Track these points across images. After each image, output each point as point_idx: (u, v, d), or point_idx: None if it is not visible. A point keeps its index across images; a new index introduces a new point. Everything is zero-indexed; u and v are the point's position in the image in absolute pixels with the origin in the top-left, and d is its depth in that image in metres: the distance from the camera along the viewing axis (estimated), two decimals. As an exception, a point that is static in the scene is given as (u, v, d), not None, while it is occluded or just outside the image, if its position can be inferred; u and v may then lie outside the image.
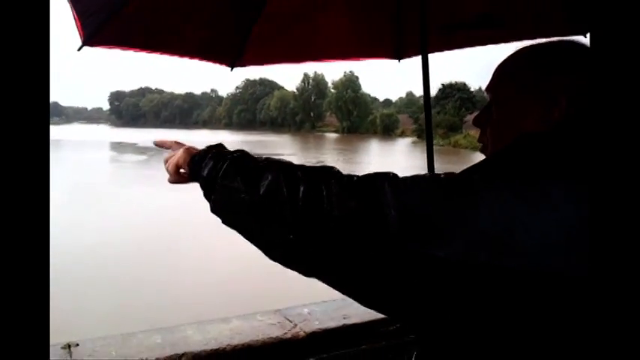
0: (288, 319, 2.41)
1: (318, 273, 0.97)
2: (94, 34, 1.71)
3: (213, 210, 1.10)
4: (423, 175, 0.95)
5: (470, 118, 62.28)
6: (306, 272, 0.99)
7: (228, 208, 1.07)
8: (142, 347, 2.12)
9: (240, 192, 1.01)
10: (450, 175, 0.91)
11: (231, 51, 2.23)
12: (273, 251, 1.02)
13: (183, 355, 2.07)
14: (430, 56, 2.31)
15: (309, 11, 2.20)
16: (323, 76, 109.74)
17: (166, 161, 1.29)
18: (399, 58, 2.59)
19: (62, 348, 2.13)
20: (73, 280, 9.98)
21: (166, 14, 1.88)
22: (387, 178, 0.92)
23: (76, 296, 9.05)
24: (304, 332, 2.32)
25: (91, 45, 1.75)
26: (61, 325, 7.26)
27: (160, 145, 1.38)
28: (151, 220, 17.06)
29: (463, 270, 0.80)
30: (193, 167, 1.18)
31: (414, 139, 66.48)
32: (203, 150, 1.19)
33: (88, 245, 12.90)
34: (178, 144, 1.32)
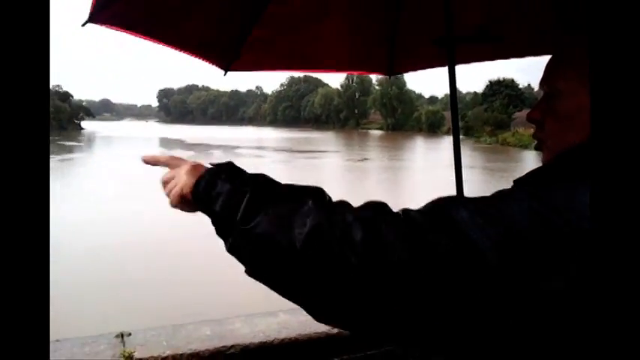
0: (334, 315, 2.41)
1: (390, 326, 0.81)
2: (99, 12, 1.66)
3: (231, 252, 0.90)
4: (500, 201, 0.82)
5: (518, 115, 60.86)
6: (377, 329, 0.83)
7: (254, 257, 0.87)
8: (192, 338, 2.17)
9: (270, 239, 0.83)
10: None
11: (227, 54, 2.23)
12: (325, 309, 0.87)
13: (231, 347, 2.11)
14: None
15: (305, 21, 2.21)
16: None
17: (165, 184, 1.04)
18: (390, 74, 2.62)
19: (115, 337, 2.20)
20: (120, 271, 10.30)
21: (170, 4, 1.89)
22: (459, 206, 0.81)
23: (122, 287, 9.32)
24: (350, 328, 2.31)
25: (96, 23, 1.69)
26: (114, 315, 7.53)
27: (152, 163, 1.11)
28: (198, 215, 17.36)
29: (569, 300, 0.74)
30: (199, 196, 0.95)
31: (460, 136, 65.31)
32: (209, 172, 0.95)
33: (137, 237, 13.27)
34: (176, 159, 1.06)
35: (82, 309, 8.32)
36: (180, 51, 2.06)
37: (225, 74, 2.28)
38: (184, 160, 1.02)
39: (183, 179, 0.97)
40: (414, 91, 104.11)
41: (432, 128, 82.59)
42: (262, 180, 0.91)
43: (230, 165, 0.96)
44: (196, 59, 2.16)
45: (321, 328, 2.30)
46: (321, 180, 28.53)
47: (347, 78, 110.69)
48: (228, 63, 2.27)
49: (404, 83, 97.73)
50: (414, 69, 2.68)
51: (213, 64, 2.24)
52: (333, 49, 2.42)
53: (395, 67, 2.58)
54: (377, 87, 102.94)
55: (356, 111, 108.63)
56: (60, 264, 10.82)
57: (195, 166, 0.98)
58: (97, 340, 2.16)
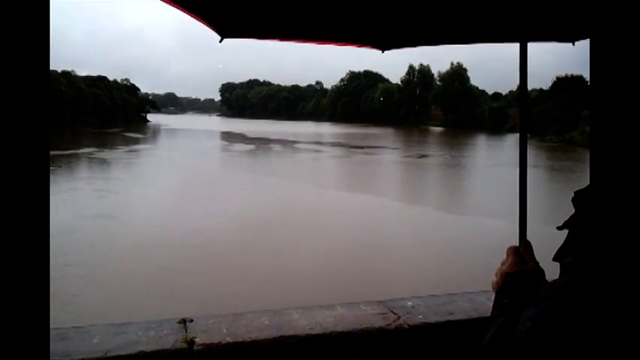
0: (392, 311, 2.41)
1: None
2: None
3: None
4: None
5: (587, 113, 58.22)
6: None
7: None
8: (251, 327, 2.22)
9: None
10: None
11: (224, 20, 2.22)
12: None
13: (289, 337, 2.14)
14: (538, 48, 2.20)
15: None
16: (429, 67, 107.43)
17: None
18: (383, 49, 2.57)
19: (178, 323, 2.27)
20: (180, 259, 10.61)
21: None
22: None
23: (183, 275, 9.61)
24: (408, 325, 2.31)
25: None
26: (176, 301, 7.76)
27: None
28: (257, 207, 17.68)
29: None
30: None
31: (524, 134, 63.09)
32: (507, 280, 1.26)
33: (197, 227, 13.66)
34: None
35: (146, 293, 8.65)
36: (182, 10, 2.10)
37: (220, 41, 2.30)
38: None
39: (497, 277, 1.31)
40: (476, 87, 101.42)
41: (494, 125, 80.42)
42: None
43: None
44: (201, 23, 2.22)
45: (378, 322, 2.30)
46: (378, 175, 28.39)
47: (408, 73, 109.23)
48: (224, 29, 2.28)
49: (467, 79, 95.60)
50: (408, 45, 2.65)
51: (211, 28, 2.26)
52: (330, 20, 2.42)
53: (388, 43, 2.56)
54: (438, 82, 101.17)
55: (416, 107, 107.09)
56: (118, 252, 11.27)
57: (512, 264, 1.29)
58: (161, 325, 2.24)
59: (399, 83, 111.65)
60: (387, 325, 2.29)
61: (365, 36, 2.52)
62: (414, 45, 2.66)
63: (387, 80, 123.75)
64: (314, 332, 2.19)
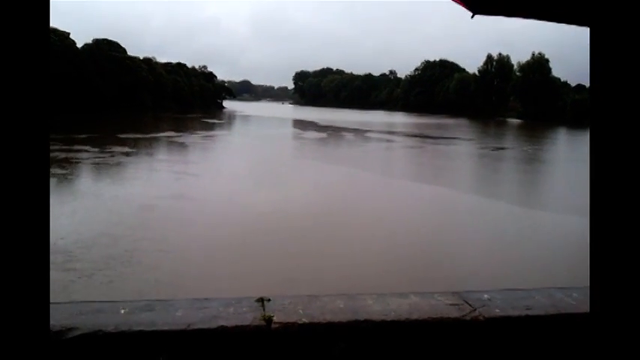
0: (467, 303, 2.38)
1: None
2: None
3: None
4: None
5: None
6: None
7: None
8: (326, 309, 2.26)
9: None
10: None
11: None
12: None
13: (364, 321, 2.16)
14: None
15: None
16: (508, 58, 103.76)
17: None
18: (474, 11, 2.42)
19: (256, 301, 2.35)
20: (253, 243, 10.87)
21: None
22: None
23: (260, 259, 9.84)
24: (483, 317, 2.27)
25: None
26: (255, 283, 8.00)
27: None
28: (328, 194, 17.81)
29: None
30: None
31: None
32: None
33: (270, 210, 13.94)
34: None
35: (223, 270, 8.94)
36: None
37: (472, 17, 2.31)
38: None
39: None
40: (559, 79, 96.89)
41: (577, 119, 76.67)
42: None
43: None
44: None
45: (453, 313, 2.28)
46: (450, 167, 27.81)
47: (486, 63, 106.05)
48: (476, 6, 2.27)
49: (548, 70, 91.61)
50: (500, 13, 2.50)
51: (462, 5, 2.26)
52: None
53: (481, 6, 2.44)
54: (518, 73, 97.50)
55: (493, 98, 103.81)
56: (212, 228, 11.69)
57: None
58: (240, 302, 2.31)
59: (476, 73, 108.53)
60: (463, 316, 2.27)
61: None
62: (505, 14, 2.54)
63: (463, 70, 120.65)
64: (388, 319, 2.20)
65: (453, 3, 2.24)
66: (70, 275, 8.33)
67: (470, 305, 2.36)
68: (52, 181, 16.90)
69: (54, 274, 8.35)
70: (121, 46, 78.89)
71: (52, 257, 9.08)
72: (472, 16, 2.49)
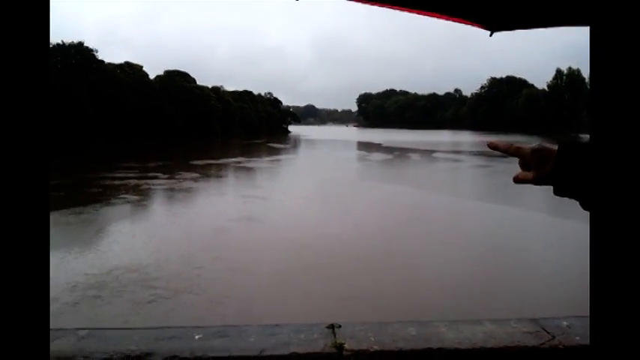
0: (545, 330, 2.29)
1: None
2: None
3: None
4: None
5: None
6: None
7: None
8: (398, 337, 2.24)
9: None
10: None
11: None
12: None
13: (437, 350, 2.12)
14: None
15: None
16: (579, 71, 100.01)
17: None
18: (492, 30, 2.31)
19: (327, 327, 2.35)
20: (318, 261, 10.89)
21: None
22: None
23: (321, 278, 9.85)
24: (563, 345, 2.18)
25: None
26: (325, 306, 8.03)
27: (493, 148, 1.43)
28: (394, 216, 17.64)
29: None
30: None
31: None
32: None
33: (336, 233, 13.95)
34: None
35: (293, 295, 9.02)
36: (448, 19, 2.13)
37: (491, 35, 2.30)
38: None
39: None
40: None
41: (657, 132, 72.59)
42: None
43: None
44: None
45: (531, 341, 2.20)
46: (522, 186, 26.79)
47: (555, 77, 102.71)
48: (491, 24, 2.25)
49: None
50: (518, 27, 2.41)
51: (478, 27, 2.24)
52: None
53: (498, 22, 2.35)
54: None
55: (565, 113, 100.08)
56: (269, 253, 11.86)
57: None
58: (311, 329, 2.33)
59: (545, 88, 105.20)
60: (541, 344, 2.18)
61: (475, 13, 2.40)
62: (522, 26, 2.48)
63: (531, 86, 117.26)
64: (462, 347, 2.15)
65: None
66: (151, 292, 8.81)
67: (548, 333, 2.27)
68: (151, 203, 17.76)
69: (140, 292, 9.02)
70: (190, 76, 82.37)
71: (138, 276, 9.74)
72: (490, 34, 2.46)
